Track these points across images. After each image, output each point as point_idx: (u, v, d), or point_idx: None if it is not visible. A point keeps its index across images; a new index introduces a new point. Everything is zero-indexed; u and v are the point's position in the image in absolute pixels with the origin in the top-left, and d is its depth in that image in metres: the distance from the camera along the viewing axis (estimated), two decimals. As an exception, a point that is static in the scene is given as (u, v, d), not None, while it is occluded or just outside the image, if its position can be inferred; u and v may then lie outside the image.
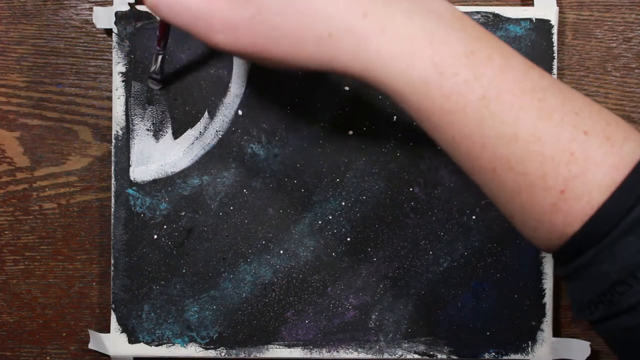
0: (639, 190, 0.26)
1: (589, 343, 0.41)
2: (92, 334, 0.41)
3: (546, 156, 0.27)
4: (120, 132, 0.41)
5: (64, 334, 0.44)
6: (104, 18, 0.41)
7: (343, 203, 0.41)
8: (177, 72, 0.41)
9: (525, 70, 0.28)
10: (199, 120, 0.41)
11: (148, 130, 0.41)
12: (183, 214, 0.41)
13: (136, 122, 0.41)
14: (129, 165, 0.41)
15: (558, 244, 0.28)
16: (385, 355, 0.41)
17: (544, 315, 0.41)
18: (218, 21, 0.29)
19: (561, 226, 0.27)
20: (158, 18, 0.39)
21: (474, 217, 0.41)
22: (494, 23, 0.41)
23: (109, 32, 0.43)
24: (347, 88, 0.41)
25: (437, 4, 0.28)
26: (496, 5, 0.42)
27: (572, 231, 0.27)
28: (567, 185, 0.27)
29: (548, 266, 0.41)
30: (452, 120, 0.28)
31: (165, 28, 0.39)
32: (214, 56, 0.41)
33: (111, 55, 0.42)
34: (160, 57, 0.40)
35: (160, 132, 0.41)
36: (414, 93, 0.28)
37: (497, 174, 0.28)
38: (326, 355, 0.41)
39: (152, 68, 0.40)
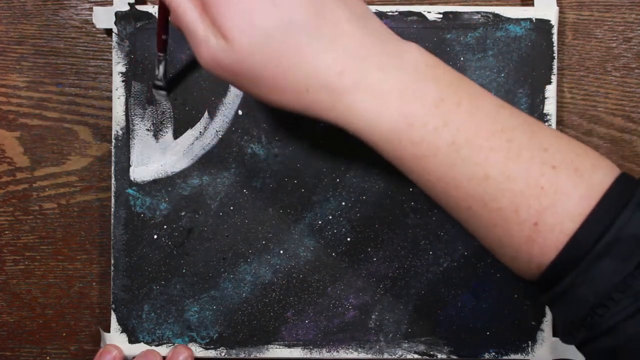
0: (609, 216, 0.27)
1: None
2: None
3: (516, 192, 0.28)
4: (120, 132, 0.41)
5: (64, 334, 0.44)
6: (104, 18, 0.41)
7: (343, 203, 0.41)
8: (177, 72, 0.41)
9: (495, 111, 0.29)
10: (199, 120, 0.41)
11: (148, 130, 0.41)
12: (183, 214, 0.41)
13: (136, 122, 0.41)
14: (129, 165, 0.41)
15: (537, 273, 0.29)
16: (385, 355, 0.41)
17: (544, 315, 0.41)
18: (205, 49, 0.29)
19: (538, 256, 0.29)
20: (156, 24, 0.39)
21: (474, 217, 0.41)
22: (494, 23, 0.41)
23: (109, 32, 0.43)
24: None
25: (412, 55, 0.30)
26: (496, 5, 0.42)
27: (548, 260, 0.28)
28: (540, 217, 0.28)
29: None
30: (424, 166, 0.29)
31: (164, 30, 0.39)
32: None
33: (111, 55, 0.42)
34: (162, 62, 0.40)
35: (160, 132, 0.41)
36: (386, 142, 0.29)
37: (473, 211, 0.30)
38: (326, 355, 0.41)
39: (156, 73, 0.40)
